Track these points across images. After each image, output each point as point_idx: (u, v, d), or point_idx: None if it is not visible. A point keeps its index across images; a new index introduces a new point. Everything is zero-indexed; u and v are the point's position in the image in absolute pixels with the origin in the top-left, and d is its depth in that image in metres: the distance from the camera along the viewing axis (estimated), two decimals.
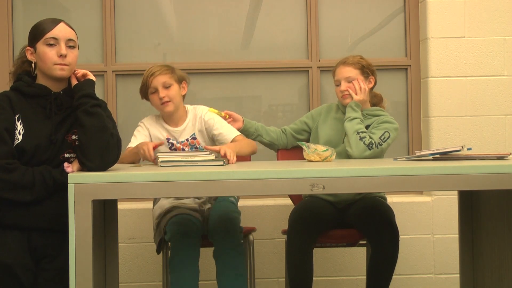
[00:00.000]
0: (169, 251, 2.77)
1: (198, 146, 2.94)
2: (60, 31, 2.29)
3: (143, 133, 2.95)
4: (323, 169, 2.13)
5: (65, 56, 2.28)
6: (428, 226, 3.69)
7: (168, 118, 2.97)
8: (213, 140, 2.96)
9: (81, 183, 2.02)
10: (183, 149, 2.93)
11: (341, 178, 2.10)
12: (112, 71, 3.76)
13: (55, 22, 2.31)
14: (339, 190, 2.25)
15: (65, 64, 2.28)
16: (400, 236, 2.82)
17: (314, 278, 2.84)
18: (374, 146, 2.85)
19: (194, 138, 2.96)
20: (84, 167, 2.20)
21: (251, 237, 3.03)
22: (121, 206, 3.38)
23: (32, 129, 2.24)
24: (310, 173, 2.09)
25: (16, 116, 2.25)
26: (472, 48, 3.68)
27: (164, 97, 2.87)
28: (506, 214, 2.57)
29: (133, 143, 2.88)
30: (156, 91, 2.89)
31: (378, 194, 3.00)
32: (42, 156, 2.23)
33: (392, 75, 3.85)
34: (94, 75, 2.40)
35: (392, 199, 3.57)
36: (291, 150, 3.17)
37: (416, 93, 3.82)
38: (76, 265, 2.00)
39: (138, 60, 3.81)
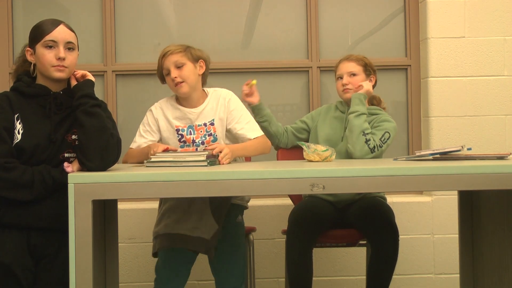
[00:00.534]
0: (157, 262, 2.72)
1: (212, 134, 2.79)
2: (59, 33, 2.28)
3: (148, 130, 2.82)
4: (323, 169, 2.13)
5: (64, 59, 2.27)
6: (428, 226, 3.69)
7: (184, 100, 2.80)
8: (230, 131, 2.82)
9: (81, 183, 2.02)
10: (193, 141, 2.78)
11: (341, 178, 2.09)
12: (112, 71, 3.76)
13: (55, 24, 2.30)
14: (339, 190, 2.25)
15: (63, 66, 2.27)
16: (400, 236, 2.82)
17: (314, 278, 2.84)
18: (376, 150, 2.86)
19: (212, 124, 2.79)
20: (84, 167, 2.20)
21: (251, 237, 3.03)
22: (121, 206, 3.38)
23: (31, 128, 2.24)
24: (310, 173, 2.09)
25: (16, 116, 2.24)
26: (472, 48, 3.68)
27: (176, 77, 2.70)
28: (506, 214, 2.57)
29: (137, 141, 2.80)
30: (169, 72, 2.73)
31: (378, 194, 3.00)
32: (41, 155, 2.23)
33: (392, 75, 3.85)
34: (94, 75, 2.40)
35: (392, 199, 3.57)
36: (291, 150, 3.17)
37: (416, 93, 3.82)
38: (76, 265, 2.00)
39: (138, 60, 3.81)
